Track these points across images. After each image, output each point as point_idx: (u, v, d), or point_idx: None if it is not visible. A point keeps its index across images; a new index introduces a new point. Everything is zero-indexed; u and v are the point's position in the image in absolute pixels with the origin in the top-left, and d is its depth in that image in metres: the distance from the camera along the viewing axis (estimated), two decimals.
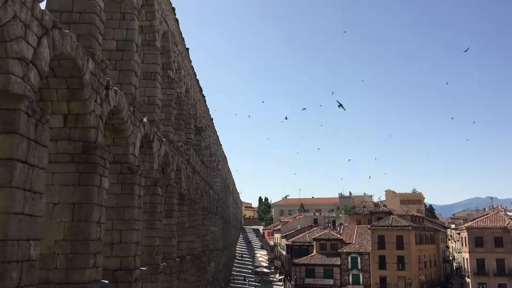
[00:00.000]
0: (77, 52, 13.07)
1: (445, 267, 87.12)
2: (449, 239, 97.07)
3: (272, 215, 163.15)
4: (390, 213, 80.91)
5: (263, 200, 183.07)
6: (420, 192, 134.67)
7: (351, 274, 69.87)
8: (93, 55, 14.66)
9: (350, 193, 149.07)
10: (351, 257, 70.57)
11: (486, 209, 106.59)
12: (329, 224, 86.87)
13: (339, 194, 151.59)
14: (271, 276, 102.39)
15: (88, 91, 14.10)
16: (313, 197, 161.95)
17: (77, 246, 13.70)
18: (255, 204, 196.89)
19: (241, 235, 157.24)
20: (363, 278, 69.27)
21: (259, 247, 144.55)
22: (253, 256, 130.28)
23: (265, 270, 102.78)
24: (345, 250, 71.22)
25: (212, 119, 59.73)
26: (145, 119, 21.29)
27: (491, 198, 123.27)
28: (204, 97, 49.13)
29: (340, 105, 51.96)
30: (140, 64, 21.74)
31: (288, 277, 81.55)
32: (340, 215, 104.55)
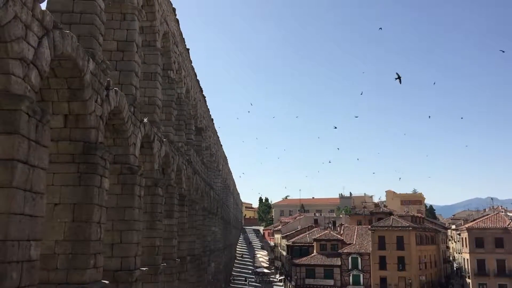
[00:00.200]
0: (77, 52, 13.08)
1: (446, 268, 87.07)
2: (449, 240, 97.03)
3: (272, 216, 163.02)
4: (390, 213, 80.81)
5: (264, 201, 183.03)
6: (421, 193, 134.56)
7: (351, 275, 69.81)
8: (94, 55, 14.67)
9: (350, 193, 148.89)
10: (351, 257, 70.51)
11: (487, 210, 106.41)
12: (330, 225, 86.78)
13: (339, 194, 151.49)
14: (271, 276, 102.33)
15: (89, 91, 14.11)
16: (313, 198, 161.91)
17: (78, 247, 13.71)
18: (256, 204, 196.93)
19: (241, 236, 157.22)
20: (363, 278, 69.20)
21: (260, 247, 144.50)
22: (253, 256, 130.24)
23: (266, 270, 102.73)
24: (345, 251, 71.17)
25: (212, 119, 59.76)
26: (145, 120, 21.30)
27: (492, 198, 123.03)
28: (204, 97, 49.15)
29: (398, 77, 49.90)
30: (141, 65, 21.75)
31: (289, 278, 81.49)
32: (341, 216, 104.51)
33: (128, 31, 19.83)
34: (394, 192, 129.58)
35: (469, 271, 71.45)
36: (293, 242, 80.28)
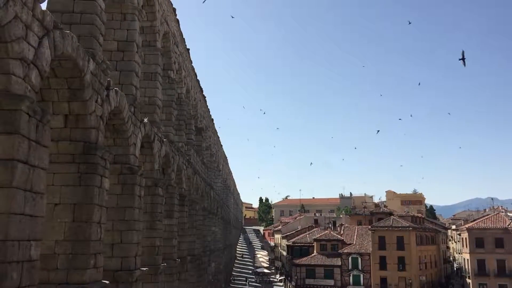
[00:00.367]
0: (78, 52, 13.08)
1: (446, 268, 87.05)
2: (449, 240, 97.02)
3: (272, 216, 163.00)
4: (390, 213, 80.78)
5: (264, 201, 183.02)
6: (421, 193, 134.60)
7: (351, 275, 69.81)
8: (94, 55, 14.67)
9: (350, 193, 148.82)
10: (351, 257, 70.51)
11: (487, 210, 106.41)
12: (330, 225, 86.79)
13: (339, 194, 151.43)
14: (271, 276, 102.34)
15: (89, 91, 14.11)
16: (313, 198, 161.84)
17: (78, 247, 13.71)
18: (256, 204, 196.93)
19: (241, 236, 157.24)
20: (363, 278, 69.20)
21: (260, 247, 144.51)
22: (253, 256, 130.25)
23: (266, 270, 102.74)
24: (345, 251, 71.17)
25: (212, 119, 59.77)
26: (145, 120, 21.30)
27: (492, 198, 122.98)
28: (204, 97, 49.16)
29: (463, 58, 48.99)
30: (141, 65, 21.75)
31: (289, 278, 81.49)
32: (341, 216, 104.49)
33: (129, 31, 19.83)
34: (394, 192, 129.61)
35: (469, 271, 71.44)
36: (293, 242, 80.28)
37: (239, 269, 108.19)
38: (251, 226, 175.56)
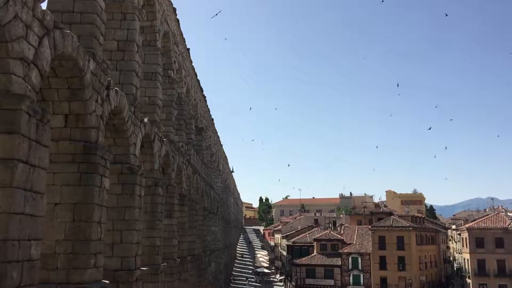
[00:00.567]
0: (78, 52, 13.08)
1: (446, 268, 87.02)
2: (449, 240, 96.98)
3: (272, 216, 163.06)
4: (390, 213, 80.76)
5: (264, 201, 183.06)
6: (421, 193, 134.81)
7: (351, 275, 69.79)
8: (94, 55, 14.67)
9: (350, 193, 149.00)
10: (351, 257, 70.49)
11: (487, 210, 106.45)
12: (330, 225, 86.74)
13: (339, 194, 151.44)
14: (271, 276, 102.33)
15: (89, 91, 14.11)
16: (313, 198, 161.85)
17: (78, 246, 13.71)
18: (256, 204, 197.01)
19: (241, 236, 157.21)
20: (363, 278, 69.18)
21: (260, 247, 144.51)
22: (253, 256, 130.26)
23: (266, 270, 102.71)
24: (345, 251, 71.16)
25: (212, 119, 59.77)
26: (146, 119, 21.30)
27: (492, 198, 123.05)
28: (205, 97, 49.16)
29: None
30: (141, 65, 21.75)
31: (289, 278, 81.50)
32: (341, 216, 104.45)
33: (129, 31, 19.83)
34: (394, 192, 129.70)
35: (469, 271, 71.43)
36: (293, 242, 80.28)
37: (239, 269, 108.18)
38: (251, 226, 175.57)
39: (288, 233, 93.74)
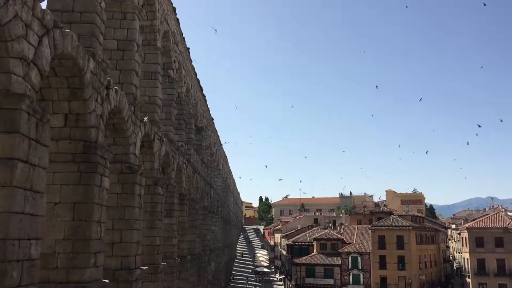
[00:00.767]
0: (78, 51, 13.08)
1: (446, 267, 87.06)
2: (449, 239, 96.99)
3: (272, 215, 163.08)
4: (390, 213, 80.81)
5: (264, 200, 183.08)
6: (421, 192, 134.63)
7: (351, 274, 69.83)
8: (94, 54, 14.67)
9: (350, 193, 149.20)
10: (351, 257, 70.53)
11: (487, 209, 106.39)
12: (330, 224, 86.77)
13: (339, 194, 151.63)
14: (271, 276, 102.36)
15: (89, 90, 14.11)
16: (313, 197, 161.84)
17: (78, 246, 13.72)
18: (256, 203, 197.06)
19: (241, 235, 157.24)
20: (363, 278, 69.23)
21: (260, 246, 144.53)
22: (253, 255, 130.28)
23: (266, 269, 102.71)
24: (345, 250, 71.18)
25: (212, 118, 59.75)
26: (145, 119, 21.30)
27: (492, 198, 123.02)
28: (204, 96, 49.15)
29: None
30: (141, 64, 21.74)
31: (289, 277, 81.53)
32: (341, 215, 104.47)
33: (129, 30, 19.81)
34: (394, 192, 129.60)
35: (469, 270, 71.48)
36: (293, 242, 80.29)
37: (239, 268, 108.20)
38: (251, 225, 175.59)
39: (288, 233, 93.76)
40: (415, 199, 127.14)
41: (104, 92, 15.54)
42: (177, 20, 30.99)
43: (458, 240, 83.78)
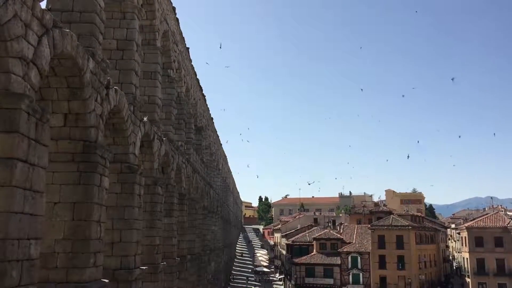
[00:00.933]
0: (77, 51, 13.07)
1: (445, 267, 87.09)
2: (449, 239, 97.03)
3: (272, 215, 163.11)
4: (390, 212, 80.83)
5: (263, 200, 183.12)
6: (420, 192, 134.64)
7: (351, 274, 69.85)
8: (94, 54, 14.66)
9: (350, 192, 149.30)
10: (351, 256, 70.54)
11: (486, 209, 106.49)
12: (329, 224, 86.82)
13: (339, 193, 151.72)
14: (271, 275, 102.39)
15: (89, 90, 14.10)
16: (313, 197, 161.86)
17: (78, 245, 13.71)
18: (255, 203, 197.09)
19: (241, 235, 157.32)
20: (363, 277, 69.25)
21: (259, 246, 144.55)
22: (253, 255, 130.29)
23: (265, 269, 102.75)
24: (345, 250, 71.19)
25: (212, 118, 59.74)
26: (145, 119, 21.29)
27: (491, 197, 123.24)
28: (204, 96, 49.14)
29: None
30: (141, 64, 21.74)
31: (288, 277, 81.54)
32: (340, 215, 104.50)
33: (128, 30, 19.80)
34: (393, 191, 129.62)
35: (469, 270, 71.50)
36: (292, 241, 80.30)
37: (238, 268, 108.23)
38: (251, 225, 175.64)
39: (287, 232, 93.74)
40: (415, 198, 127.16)
41: (103, 92, 15.54)
42: (177, 19, 30.98)
43: (458, 240, 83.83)
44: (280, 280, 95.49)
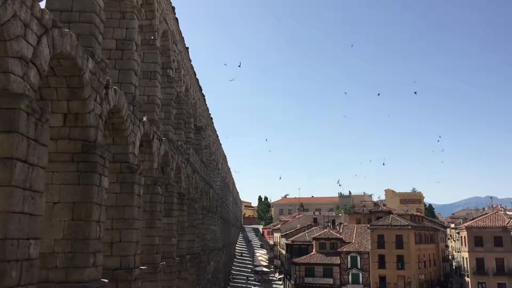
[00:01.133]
0: (77, 51, 13.07)
1: (445, 267, 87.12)
2: (448, 239, 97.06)
3: (271, 214, 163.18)
4: (389, 212, 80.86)
5: (263, 199, 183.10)
6: (420, 192, 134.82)
7: (350, 274, 69.89)
8: (93, 54, 14.65)
9: (349, 192, 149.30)
10: (350, 256, 70.58)
11: (486, 209, 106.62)
12: (329, 224, 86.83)
13: (338, 193, 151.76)
14: (270, 275, 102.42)
15: (88, 90, 14.10)
16: (312, 196, 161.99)
17: (77, 245, 13.71)
18: (255, 203, 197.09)
19: (240, 234, 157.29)
20: (362, 277, 69.28)
21: (259, 246, 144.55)
22: (252, 255, 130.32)
23: (265, 269, 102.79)
24: (344, 250, 71.22)
25: (211, 118, 59.74)
26: (144, 118, 21.29)
27: (491, 197, 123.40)
28: (203, 96, 49.14)
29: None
30: (140, 63, 21.72)
31: (288, 276, 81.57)
32: (340, 215, 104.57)
33: (128, 30, 19.80)
34: (393, 191, 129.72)
35: (468, 269, 71.54)
36: (292, 241, 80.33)
37: (238, 268, 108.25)
38: (250, 224, 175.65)
39: (287, 232, 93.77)
40: (414, 198, 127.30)
41: (103, 92, 15.53)
42: (176, 19, 30.97)
43: (457, 240, 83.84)
44: (279, 279, 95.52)
